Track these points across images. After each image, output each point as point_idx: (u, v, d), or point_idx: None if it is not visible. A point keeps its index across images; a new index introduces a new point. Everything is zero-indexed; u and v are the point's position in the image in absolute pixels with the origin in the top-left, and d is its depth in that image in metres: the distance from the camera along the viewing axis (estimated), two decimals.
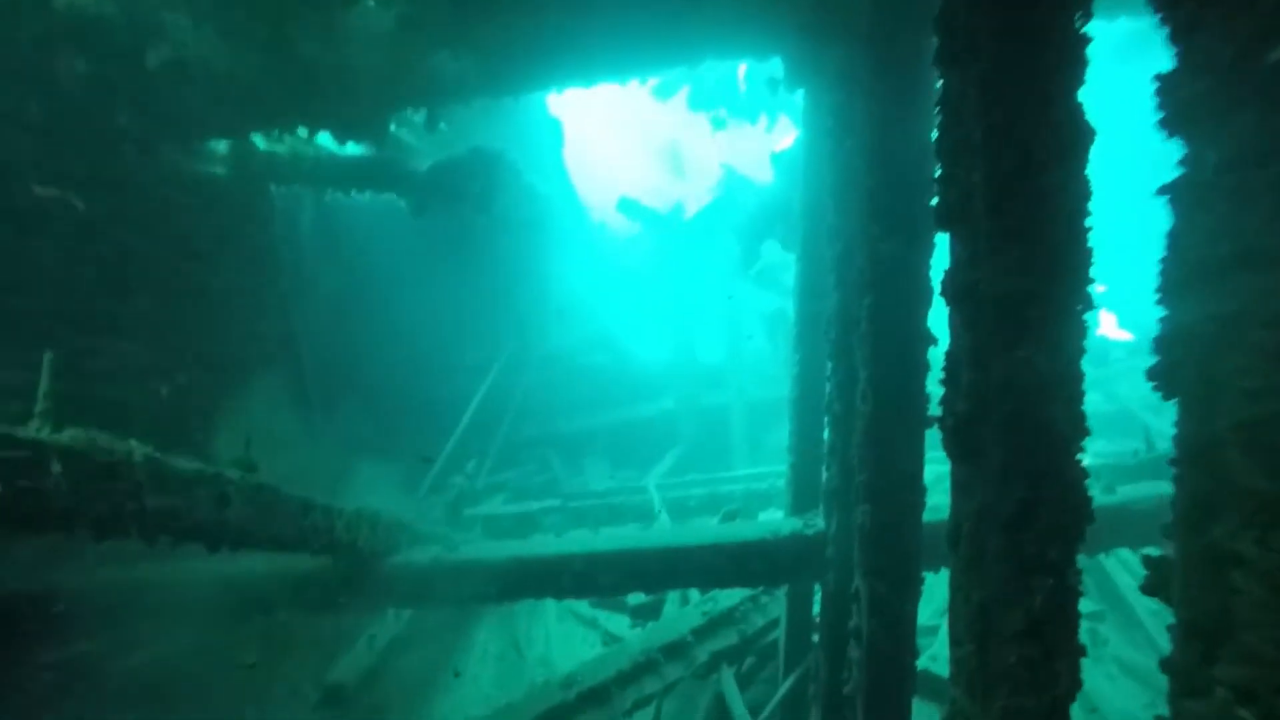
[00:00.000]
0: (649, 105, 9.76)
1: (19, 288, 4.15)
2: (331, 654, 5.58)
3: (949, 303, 1.54)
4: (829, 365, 3.32)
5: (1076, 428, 1.37)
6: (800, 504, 4.50)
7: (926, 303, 2.54)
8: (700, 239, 8.65)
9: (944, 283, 1.58)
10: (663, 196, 9.13)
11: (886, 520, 2.55)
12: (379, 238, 7.41)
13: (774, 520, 3.94)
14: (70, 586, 3.73)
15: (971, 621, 1.47)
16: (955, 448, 1.53)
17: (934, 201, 2.31)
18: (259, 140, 5.38)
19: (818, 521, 3.61)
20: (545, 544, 3.75)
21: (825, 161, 3.45)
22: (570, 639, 6.28)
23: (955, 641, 1.54)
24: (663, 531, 3.84)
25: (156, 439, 2.37)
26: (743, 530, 3.65)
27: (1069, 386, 1.35)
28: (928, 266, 2.56)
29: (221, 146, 5.30)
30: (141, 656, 4.80)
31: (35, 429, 1.60)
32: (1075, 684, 1.39)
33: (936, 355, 2.68)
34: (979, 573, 1.45)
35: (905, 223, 2.54)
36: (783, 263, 8.96)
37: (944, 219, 1.54)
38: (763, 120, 9.77)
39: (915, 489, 2.53)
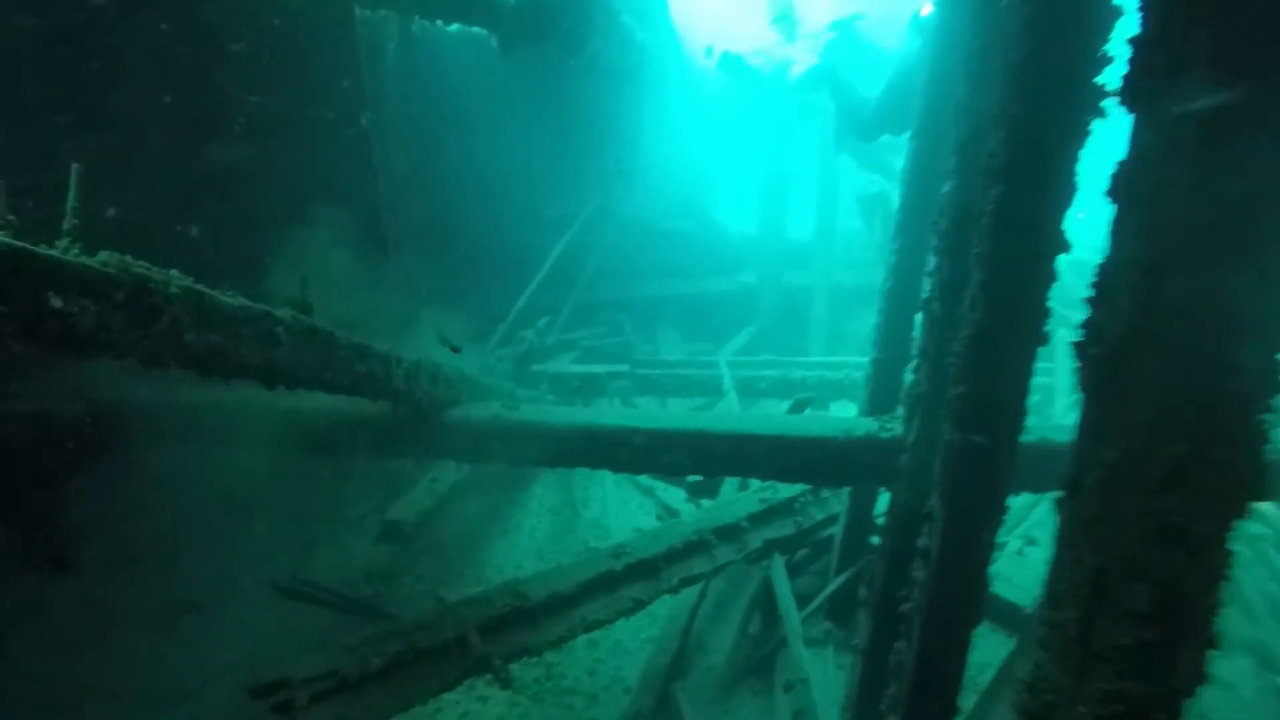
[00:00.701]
0: None
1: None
2: (396, 492, 5.78)
3: (1122, 203, 1.22)
4: (933, 260, 2.97)
5: (1268, 378, 1.08)
6: (877, 403, 4.26)
7: (1067, 201, 2.17)
8: (802, 106, 8.00)
9: (1117, 178, 1.25)
10: (768, 59, 8.36)
11: (978, 442, 2.30)
12: (466, 76, 7.06)
13: (846, 418, 3.72)
14: (137, 401, 3.85)
15: (1079, 586, 1.25)
16: (1096, 380, 1.26)
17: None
18: None
19: (895, 426, 3.38)
20: (608, 414, 3.64)
21: (965, 22, 2.96)
22: (626, 505, 6.34)
23: (1053, 602, 1.33)
24: (730, 416, 3.68)
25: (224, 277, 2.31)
26: (813, 425, 3.44)
27: (1271, 325, 1.05)
28: (1076, 158, 2.17)
29: None
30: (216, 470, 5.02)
31: (62, 249, 1.48)
32: (1198, 677, 1.17)
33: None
34: (1101, 534, 1.21)
35: (1058, 103, 2.12)
36: (890, 144, 8.27)
37: (1135, 96, 1.20)
38: None
39: (1017, 414, 2.25)
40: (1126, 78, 1.24)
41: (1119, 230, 1.24)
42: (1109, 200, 1.27)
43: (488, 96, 7.22)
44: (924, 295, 3.10)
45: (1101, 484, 1.22)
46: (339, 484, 6.26)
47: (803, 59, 7.55)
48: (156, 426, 4.09)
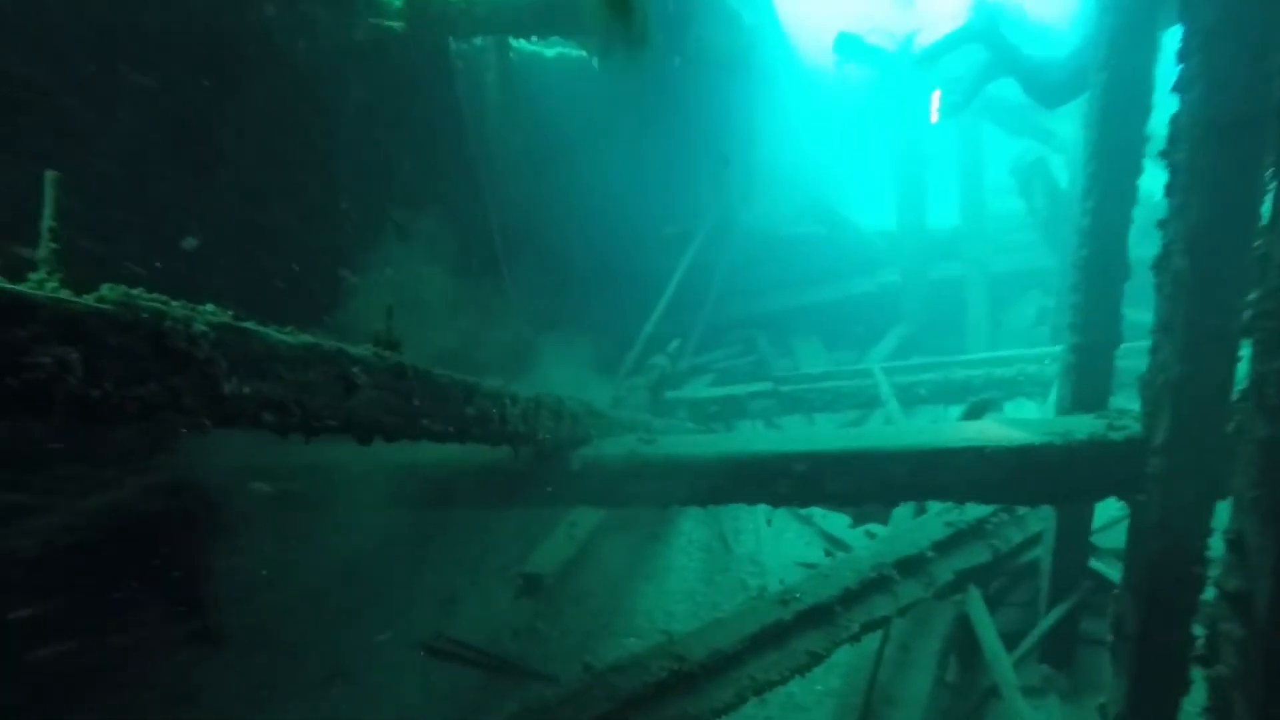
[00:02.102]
0: None
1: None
2: (537, 538, 5.42)
3: None
4: (1172, 201, 2.28)
5: None
6: (1083, 398, 3.53)
7: None
8: (935, 78, 7.22)
9: None
10: (888, 35, 7.65)
11: None
12: (569, 99, 6.79)
13: (1057, 420, 3.01)
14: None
15: None
16: None
17: None
18: None
19: (1128, 424, 2.65)
20: (759, 440, 3.09)
21: None
22: (782, 536, 5.72)
23: None
24: (907, 430, 3.06)
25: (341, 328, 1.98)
26: (1015, 431, 2.77)
27: None
28: None
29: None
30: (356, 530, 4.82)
31: (37, 282, 1.13)
32: None
33: None
34: None
35: None
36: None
37: None
38: None
39: None
40: None
41: None
42: None
43: (593, 116, 6.91)
44: (1157, 253, 2.40)
45: None
46: (481, 532, 6.01)
47: (933, 25, 6.80)
48: (280, 491, 3.89)
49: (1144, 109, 3.26)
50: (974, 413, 4.55)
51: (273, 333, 1.48)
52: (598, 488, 3.22)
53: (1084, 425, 2.72)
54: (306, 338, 1.60)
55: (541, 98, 6.66)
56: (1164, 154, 2.28)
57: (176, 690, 4.33)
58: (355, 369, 1.72)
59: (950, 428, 2.93)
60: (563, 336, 4.91)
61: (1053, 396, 5.50)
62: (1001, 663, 3.56)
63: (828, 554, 5.16)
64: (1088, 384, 3.54)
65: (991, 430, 2.82)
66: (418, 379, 2.00)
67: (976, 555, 3.92)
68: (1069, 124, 6.34)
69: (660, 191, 7.35)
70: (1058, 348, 6.18)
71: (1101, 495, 2.69)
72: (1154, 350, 2.46)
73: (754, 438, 3.33)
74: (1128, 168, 3.30)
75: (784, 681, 3.27)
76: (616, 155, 6.96)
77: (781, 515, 5.79)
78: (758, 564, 5.51)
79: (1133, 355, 3.63)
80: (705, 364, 7.95)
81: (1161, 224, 2.37)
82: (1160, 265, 2.39)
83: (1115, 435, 2.61)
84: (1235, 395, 2.03)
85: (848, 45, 7.34)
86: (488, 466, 3.24)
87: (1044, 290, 7.91)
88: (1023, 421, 3.11)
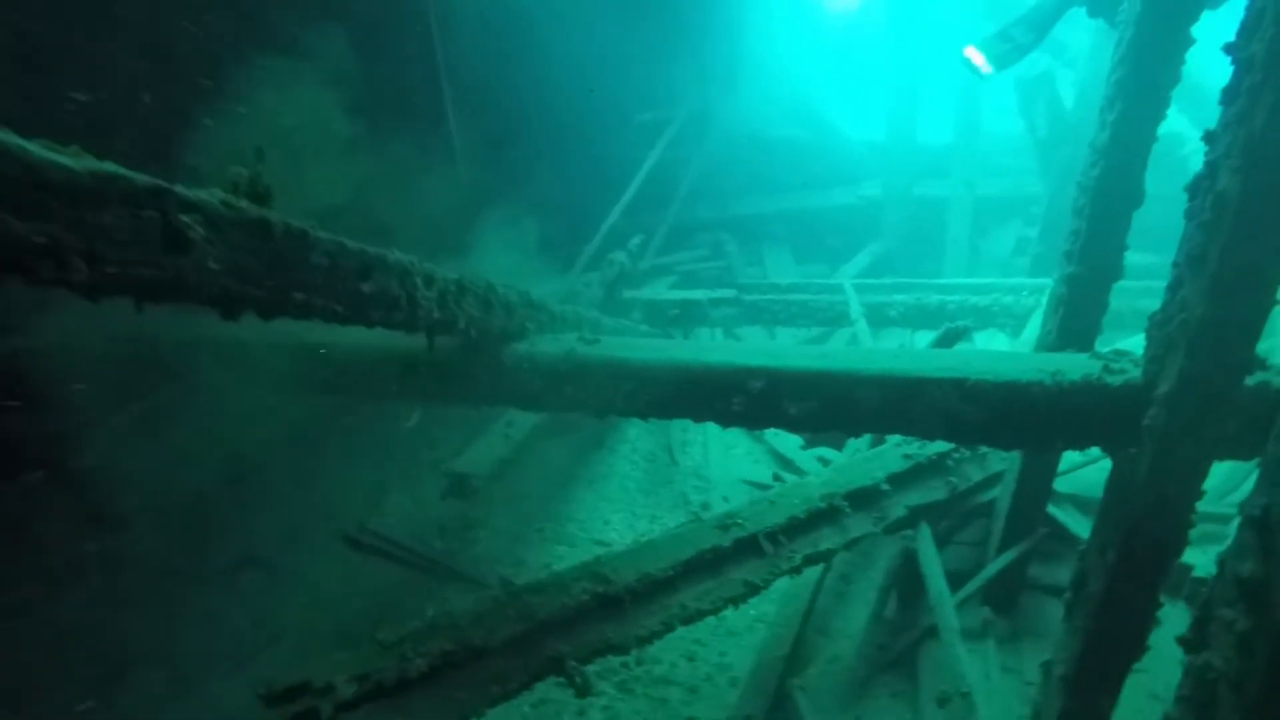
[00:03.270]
0: None
1: None
2: (477, 433, 5.10)
3: None
4: (1234, 106, 1.89)
5: None
6: (1070, 334, 3.25)
7: None
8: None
9: None
10: None
11: None
12: None
13: (1048, 355, 2.70)
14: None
15: None
16: None
17: None
18: None
19: (1126, 367, 2.35)
20: (713, 349, 2.74)
21: None
22: (730, 452, 5.49)
23: None
24: (875, 352, 2.73)
25: None
26: (1001, 364, 2.45)
27: None
28: None
29: None
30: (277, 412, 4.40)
31: None
32: None
33: None
34: None
35: None
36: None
37: None
38: None
39: None
40: None
41: None
42: None
43: None
44: (1196, 173, 2.03)
45: None
46: (422, 424, 5.66)
47: None
48: (180, 364, 3.46)
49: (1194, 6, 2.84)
50: (946, 340, 4.25)
51: (37, 149, 1.05)
52: (529, 389, 2.86)
53: (1076, 365, 2.40)
54: (107, 165, 1.17)
55: None
56: (1230, 47, 1.88)
57: (58, 571, 3.98)
58: (187, 218, 1.29)
59: (928, 355, 2.60)
60: (510, 215, 4.43)
61: (1027, 331, 5.25)
62: (944, 605, 3.38)
63: (776, 478, 4.93)
64: (1077, 319, 3.24)
65: (974, 361, 2.50)
66: (290, 241, 1.58)
67: (933, 492, 3.70)
68: (1082, 36, 5.84)
69: (637, 72, 6.72)
70: (1035, 280, 5.94)
71: (1087, 444, 2.41)
72: (1173, 287, 2.13)
73: (708, 346, 2.97)
74: (1164, 76, 2.90)
75: (715, 612, 3.04)
76: (593, 23, 6.29)
77: (732, 430, 5.54)
78: (703, 479, 5.28)
79: (1122, 295, 3.38)
80: (668, 265, 7.54)
81: (1209, 136, 1.99)
82: (1199, 186, 2.02)
83: (1111, 379, 2.30)
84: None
85: None
86: (409, 355, 2.85)
87: (1026, 220, 7.59)
88: (1007, 354, 2.80)
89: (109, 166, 1.16)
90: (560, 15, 6.15)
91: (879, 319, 5.87)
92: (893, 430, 2.70)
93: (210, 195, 1.38)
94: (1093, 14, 3.69)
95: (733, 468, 5.35)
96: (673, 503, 5.09)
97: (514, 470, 5.03)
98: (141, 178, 1.21)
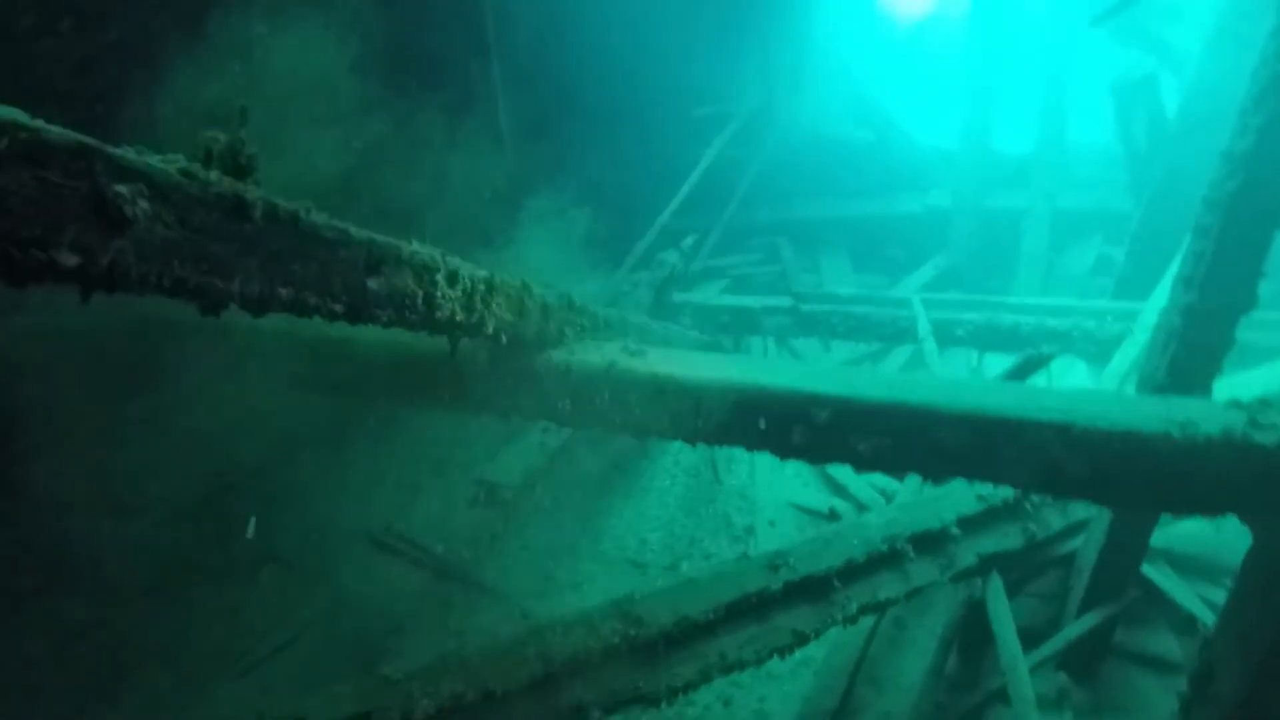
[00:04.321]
0: None
1: None
2: (513, 435, 4.82)
3: None
4: None
5: None
6: (1183, 372, 2.83)
7: None
8: None
9: None
10: None
11: None
12: None
13: (1173, 402, 2.30)
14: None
15: None
16: None
17: None
18: None
19: (1278, 421, 1.95)
20: (773, 370, 2.39)
21: None
22: (779, 470, 5.11)
23: None
24: (963, 385, 2.36)
25: None
26: (1112, 408, 2.06)
27: None
28: None
29: None
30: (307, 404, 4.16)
31: None
32: None
33: None
34: None
35: None
36: (1159, 9, 6.24)
37: None
38: None
39: None
40: None
41: None
42: None
43: None
44: None
45: None
46: (453, 421, 5.40)
47: None
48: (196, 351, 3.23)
49: None
50: (1025, 369, 3.84)
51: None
52: (565, 404, 2.55)
53: (1212, 415, 2.01)
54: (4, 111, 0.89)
55: None
56: None
57: (64, 562, 3.80)
58: (124, 189, 1.00)
59: (1025, 392, 2.22)
60: (556, 204, 4.13)
61: (1115, 361, 4.78)
62: (1018, 669, 2.99)
63: (832, 513, 4.54)
64: (1195, 356, 2.83)
65: (1082, 402, 2.12)
66: (274, 225, 1.29)
67: (1008, 539, 3.30)
68: (1189, 35, 5.33)
69: (700, 63, 6.39)
70: (1121, 304, 5.45)
71: (1220, 512, 2.02)
72: None
73: (767, 366, 2.63)
74: None
75: (759, 663, 2.71)
76: (654, 15, 5.97)
77: None
78: (747, 500, 4.93)
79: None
80: (722, 268, 7.20)
81: None
82: None
83: (1261, 437, 1.91)
84: None
85: None
86: (432, 358, 2.57)
87: (1107, 237, 7.07)
88: (1119, 396, 2.42)
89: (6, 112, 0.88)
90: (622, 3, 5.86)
91: (945, 337, 5.44)
92: (978, 477, 2.33)
93: (163, 163, 1.09)
94: None
95: (781, 489, 4.99)
96: (715, 525, 4.75)
97: (548, 477, 4.74)
98: (59, 132, 0.93)
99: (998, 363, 5.64)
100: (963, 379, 2.61)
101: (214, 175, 1.18)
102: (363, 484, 4.98)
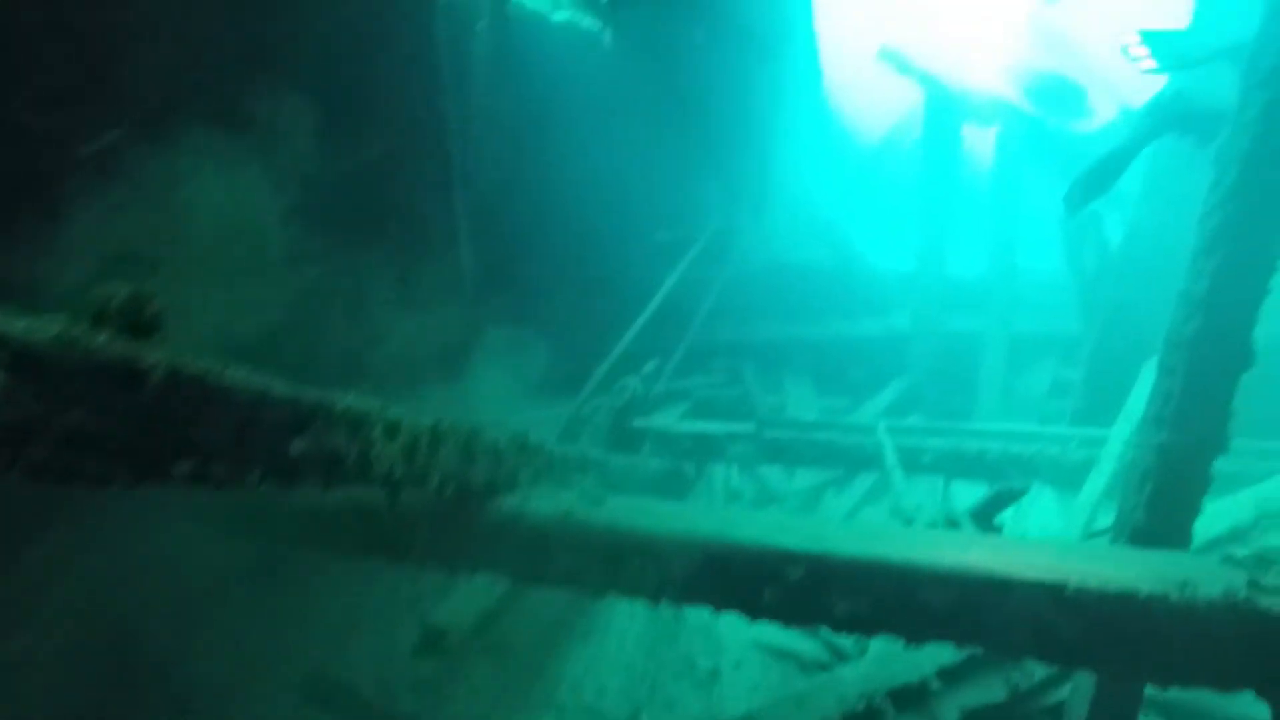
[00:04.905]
0: None
1: None
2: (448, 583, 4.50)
3: None
4: None
5: None
6: (1161, 512, 2.74)
7: None
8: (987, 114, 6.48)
9: None
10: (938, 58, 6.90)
11: None
12: (570, 69, 5.94)
13: (1165, 558, 2.19)
14: None
15: None
16: None
17: None
18: None
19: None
20: (743, 523, 2.23)
21: None
22: None
23: None
24: (947, 540, 2.20)
25: None
26: (1105, 564, 1.93)
27: None
28: None
29: None
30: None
31: None
32: None
33: None
34: None
35: None
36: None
37: None
38: None
39: None
40: None
41: None
42: None
43: (596, 96, 6.06)
44: None
45: None
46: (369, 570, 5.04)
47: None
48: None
49: None
50: (998, 502, 3.73)
51: None
52: (516, 557, 2.35)
53: (1211, 575, 1.88)
54: None
55: (540, 65, 5.80)
56: None
57: None
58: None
59: (1014, 547, 2.08)
60: (515, 338, 4.02)
61: (1085, 494, 4.71)
62: None
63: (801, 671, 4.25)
64: (1172, 496, 2.73)
65: (1074, 558, 1.98)
66: (174, 391, 1.12)
67: (991, 690, 3.09)
68: (1128, 176, 5.59)
69: (661, 190, 6.51)
70: (1082, 430, 5.46)
71: (1230, 687, 1.87)
72: None
73: (736, 518, 2.46)
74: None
75: None
76: (617, 143, 6.11)
77: None
78: (712, 638, 4.63)
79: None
80: (684, 390, 7.10)
81: None
82: None
83: (1265, 602, 1.78)
84: None
85: (893, 57, 6.58)
86: (370, 507, 2.35)
87: (1061, 360, 7.20)
88: (1114, 552, 2.28)
89: None
90: (585, 126, 5.99)
91: (911, 464, 5.36)
92: (966, 641, 2.15)
93: (32, 326, 0.92)
94: (1190, 142, 3.37)
95: (747, 626, 4.70)
96: (677, 668, 4.44)
97: (500, 616, 4.41)
98: None
99: (965, 489, 5.56)
100: (946, 534, 2.45)
101: (102, 339, 1.02)
102: (294, 624, 4.58)
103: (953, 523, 3.68)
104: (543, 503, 2.40)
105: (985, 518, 3.72)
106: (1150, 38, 4.77)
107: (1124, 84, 6.80)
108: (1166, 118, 3.60)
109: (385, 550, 2.41)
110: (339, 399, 1.55)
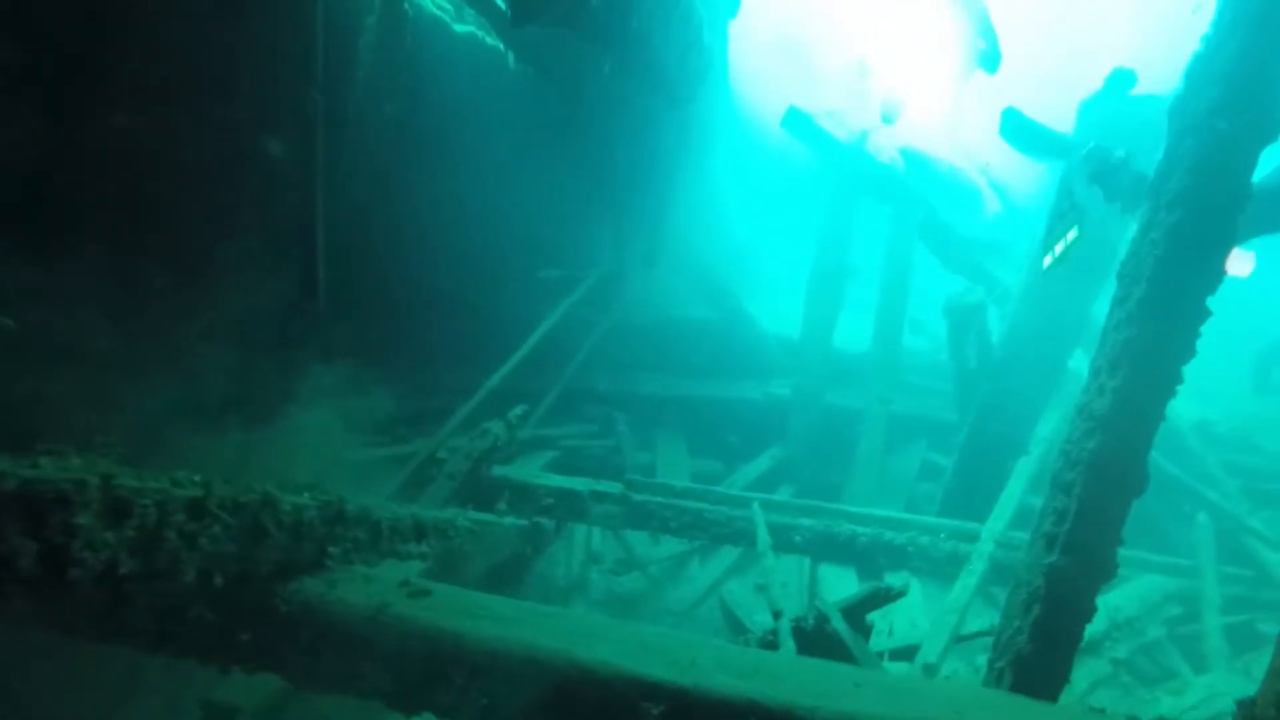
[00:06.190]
0: None
1: None
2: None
3: None
4: None
5: None
6: (1048, 636, 2.56)
7: None
8: (880, 186, 6.51)
9: None
10: (844, 125, 6.92)
11: None
12: (468, 87, 5.52)
13: (1066, 713, 1.94)
14: None
15: None
16: None
17: None
18: None
19: None
20: (595, 637, 1.83)
21: None
22: None
23: None
24: (837, 675, 1.87)
25: None
26: (1007, 713, 1.64)
27: None
28: None
29: None
30: None
31: None
32: None
33: None
34: None
35: None
36: (985, 245, 6.78)
37: None
38: None
39: None
40: None
41: None
42: None
43: (490, 119, 5.65)
44: None
45: None
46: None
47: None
48: None
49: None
50: (873, 601, 3.48)
51: None
52: (312, 661, 1.84)
53: None
54: None
55: (434, 75, 5.35)
56: None
57: None
58: None
59: (907, 688, 1.78)
60: (363, 369, 3.49)
61: (955, 596, 4.60)
62: None
63: None
64: (1059, 620, 2.56)
65: (974, 707, 1.69)
66: None
67: None
68: (1013, 272, 5.73)
69: (551, 225, 6.15)
70: (953, 522, 5.42)
71: None
72: None
73: (586, 625, 2.04)
74: (1179, 346, 2.41)
75: None
76: (510, 171, 5.71)
77: None
78: None
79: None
80: (553, 437, 6.66)
81: None
82: None
83: None
84: None
85: (797, 123, 6.53)
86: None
87: (932, 443, 7.27)
88: (1014, 701, 2.01)
89: None
90: (476, 147, 5.57)
91: (781, 543, 5.11)
92: None
93: None
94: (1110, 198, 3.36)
95: None
96: None
97: (295, 700, 3.78)
98: None
99: (832, 574, 5.38)
100: (832, 666, 2.14)
101: None
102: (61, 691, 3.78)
103: (823, 618, 3.41)
104: (354, 590, 1.92)
105: (857, 616, 3.48)
106: (1011, 115, 4.95)
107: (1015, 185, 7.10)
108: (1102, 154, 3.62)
109: (140, 643, 1.85)
110: (24, 467, 1.06)
